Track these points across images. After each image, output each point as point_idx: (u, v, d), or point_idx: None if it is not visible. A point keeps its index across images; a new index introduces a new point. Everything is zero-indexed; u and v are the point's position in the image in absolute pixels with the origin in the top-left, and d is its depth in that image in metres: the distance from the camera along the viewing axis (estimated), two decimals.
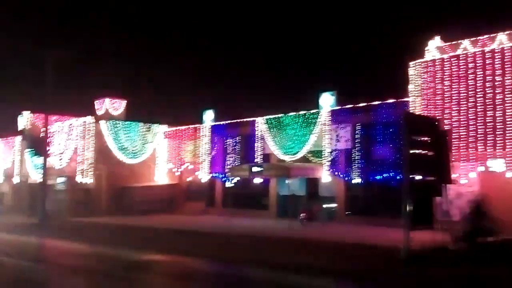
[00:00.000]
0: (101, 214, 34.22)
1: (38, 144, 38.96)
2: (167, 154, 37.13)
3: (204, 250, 17.95)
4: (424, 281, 12.42)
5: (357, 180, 26.05)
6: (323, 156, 27.30)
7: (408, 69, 23.57)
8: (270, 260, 15.44)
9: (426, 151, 14.57)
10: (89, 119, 35.87)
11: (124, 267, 14.68)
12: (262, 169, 27.01)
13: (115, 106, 37.89)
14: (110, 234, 23.77)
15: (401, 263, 14.12)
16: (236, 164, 31.64)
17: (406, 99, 24.06)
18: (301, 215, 26.51)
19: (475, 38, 22.95)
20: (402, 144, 22.08)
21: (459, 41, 23.36)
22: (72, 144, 36.45)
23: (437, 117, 19.58)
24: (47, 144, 30.51)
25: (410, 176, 14.46)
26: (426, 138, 14.67)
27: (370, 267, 13.98)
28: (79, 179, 35.54)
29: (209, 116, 34.51)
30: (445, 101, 22.23)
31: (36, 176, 40.78)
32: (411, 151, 14.16)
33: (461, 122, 21.65)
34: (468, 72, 21.71)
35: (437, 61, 22.73)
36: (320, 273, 13.37)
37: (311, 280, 12.77)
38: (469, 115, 21.54)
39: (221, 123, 33.40)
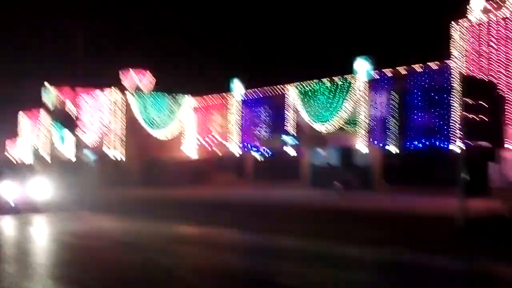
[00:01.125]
0: (133, 186, 34.08)
1: (64, 118, 38.84)
2: (195, 126, 36.67)
3: (242, 222, 17.47)
4: (482, 252, 11.75)
5: (394, 148, 25.26)
6: (358, 125, 26.49)
7: (450, 30, 22.43)
8: (312, 230, 14.85)
9: (482, 116, 13.67)
10: (116, 91, 35.51)
11: (166, 240, 14.30)
12: (296, 139, 26.32)
13: (140, 77, 37.39)
14: (145, 207, 23.46)
15: (457, 233, 13.41)
16: (268, 134, 31.03)
17: (446, 62, 23.05)
18: (336, 184, 25.87)
19: None
20: (456, 108, 21.56)
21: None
22: (102, 118, 36.23)
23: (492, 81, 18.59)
24: (79, 119, 30.15)
25: (465, 141, 13.62)
26: (482, 102, 13.74)
27: (424, 238, 13.27)
28: (109, 152, 35.44)
29: (237, 86, 33.78)
30: (491, 64, 21.12)
31: (64, 151, 40.90)
32: (468, 115, 13.28)
33: (510, 85, 20.58)
34: None
35: (482, 22, 21.53)
36: (371, 243, 12.74)
37: (362, 250, 12.15)
38: None
39: (251, 92, 32.66)
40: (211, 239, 14.87)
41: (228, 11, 53.35)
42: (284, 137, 26.86)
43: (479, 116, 13.70)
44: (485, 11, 22.14)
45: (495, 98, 14.64)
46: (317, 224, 16.52)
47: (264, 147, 30.58)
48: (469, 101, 13.24)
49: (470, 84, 13.41)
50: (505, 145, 15.70)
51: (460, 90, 13.40)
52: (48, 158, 42.57)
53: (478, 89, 13.71)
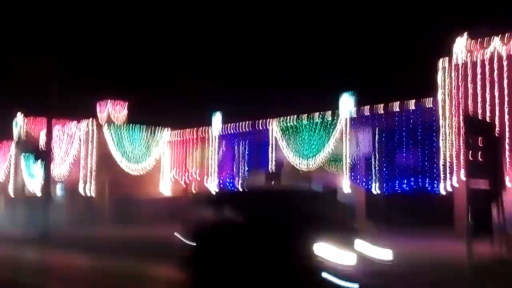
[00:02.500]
0: (104, 225, 32.43)
1: (35, 151, 37.22)
2: (171, 162, 35.47)
3: None
4: None
5: (378, 189, 24.59)
6: (341, 163, 25.83)
7: (436, 69, 22.24)
8: None
9: (483, 155, 13.12)
10: (91, 123, 34.19)
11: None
12: (279, 177, 25.48)
13: (118, 108, 36.15)
14: (117, 246, 21.96)
15: (467, 278, 12.54)
16: (247, 172, 30.09)
17: (431, 100, 22.81)
18: None
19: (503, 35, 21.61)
20: (442, 148, 21.12)
21: (488, 38, 21.98)
22: (73, 150, 34.76)
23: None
24: (49, 150, 28.62)
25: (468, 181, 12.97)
26: (481, 142, 13.23)
27: (435, 284, 12.32)
28: (80, 188, 33.83)
29: (217, 119, 32.86)
30: (477, 103, 20.87)
31: (32, 186, 39.00)
32: (470, 154, 12.69)
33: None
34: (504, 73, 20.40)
35: (467, 62, 21.40)
36: None
37: None
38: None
39: (231, 127, 31.79)
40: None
41: (210, 44, 53.06)
42: (269, 174, 25.96)
43: (481, 155, 13.15)
44: (469, 51, 22.06)
45: (494, 137, 14.21)
46: None
47: (242, 184, 29.59)
48: (471, 140, 12.69)
49: (472, 123, 12.93)
50: (507, 185, 15.14)
51: (463, 128, 12.95)
52: (12, 193, 40.49)
53: (479, 128, 13.25)
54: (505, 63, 20.48)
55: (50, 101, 29.68)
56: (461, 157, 21.07)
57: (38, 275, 14.27)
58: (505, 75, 20.42)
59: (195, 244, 9.98)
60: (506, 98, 20.36)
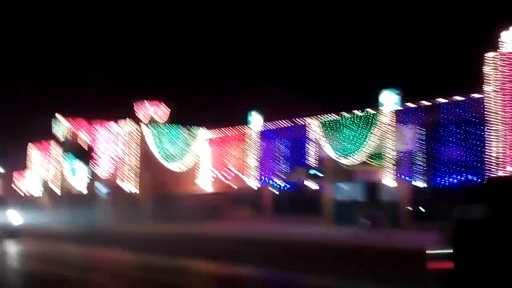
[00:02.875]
0: (147, 222, 33.00)
1: (77, 150, 38.16)
2: (210, 160, 35.83)
3: (266, 259, 16.44)
4: None
5: (423, 183, 24.30)
6: (385, 158, 25.60)
7: (484, 62, 21.78)
8: (338, 270, 13.78)
9: None
10: (131, 123, 34.82)
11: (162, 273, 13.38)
12: (321, 173, 25.42)
13: (155, 109, 36.74)
14: (163, 243, 22.36)
15: None
16: (287, 169, 30.15)
17: (477, 95, 22.40)
18: (363, 221, 24.84)
19: None
20: (490, 142, 20.79)
21: None
22: (116, 150, 35.46)
23: None
24: (92, 151, 29.42)
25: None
26: None
27: None
28: (123, 186, 34.48)
29: (255, 118, 33.06)
30: None
31: (76, 185, 39.99)
32: None
33: None
34: None
35: None
36: None
37: None
38: None
39: (270, 125, 31.91)
40: (231, 276, 13.79)
41: (247, 42, 53.09)
42: (311, 171, 25.91)
43: None
44: None
45: None
46: (343, 263, 15.50)
47: (282, 181, 29.62)
48: None
49: None
50: None
51: None
52: (58, 191, 41.60)
53: None
54: None
55: (92, 101, 30.40)
56: (508, 149, 20.71)
57: (88, 271, 14.65)
58: None
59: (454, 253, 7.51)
60: None
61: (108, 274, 14.15)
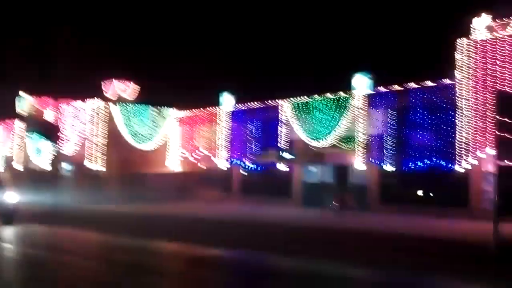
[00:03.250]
0: (112, 202, 32.44)
1: (42, 128, 37.10)
2: (180, 140, 35.40)
3: (237, 240, 16.32)
4: None
5: (392, 167, 24.57)
6: (356, 142, 25.75)
7: (456, 49, 22.00)
8: (308, 250, 13.80)
9: None
10: (99, 101, 33.98)
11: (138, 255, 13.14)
12: (292, 155, 25.37)
13: (124, 88, 35.93)
14: (130, 224, 21.95)
15: (492, 259, 12.59)
16: (258, 150, 30.04)
17: (448, 81, 22.67)
18: (332, 203, 25.03)
19: None
20: (460, 128, 21.02)
21: (508, 18, 21.75)
22: (81, 128, 34.59)
23: None
24: (57, 127, 28.60)
25: (498, 162, 12.93)
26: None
27: (458, 265, 12.34)
28: (88, 165, 33.74)
29: (227, 99, 32.74)
30: (497, 82, 20.71)
31: (39, 162, 38.98)
32: (502, 134, 12.61)
33: None
34: None
35: (488, 40, 21.17)
36: (402, 267, 11.76)
37: (397, 275, 11.17)
38: None
39: (242, 107, 31.64)
40: (198, 257, 13.63)
41: (219, 22, 52.21)
42: (283, 152, 25.83)
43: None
44: (490, 30, 21.81)
45: None
46: (316, 244, 15.55)
47: (252, 162, 29.50)
48: (505, 119, 12.59)
49: (504, 102, 12.82)
50: None
51: (494, 107, 12.80)
52: (21, 169, 40.43)
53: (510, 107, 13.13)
54: None
55: (57, 78, 29.46)
56: (478, 135, 21.07)
57: (56, 251, 14.25)
58: None
59: None
60: None
61: (75, 254, 13.77)
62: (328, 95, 26.88)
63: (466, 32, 22.39)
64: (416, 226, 19.47)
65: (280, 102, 29.00)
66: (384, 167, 24.81)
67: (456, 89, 21.92)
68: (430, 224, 20.13)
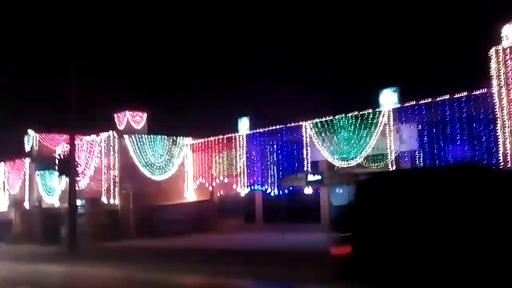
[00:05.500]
0: (130, 237, 31.18)
1: (55, 165, 36.11)
2: (195, 168, 34.31)
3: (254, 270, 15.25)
4: None
5: None
6: (386, 160, 24.71)
7: (488, 57, 21.17)
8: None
9: None
10: (112, 134, 33.01)
11: None
12: (321, 177, 24.29)
13: (137, 119, 35.01)
14: (148, 259, 20.72)
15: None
16: (280, 174, 28.94)
17: (479, 91, 21.81)
18: None
19: None
20: (501, 138, 20.10)
21: None
22: (94, 162, 33.53)
23: None
24: (71, 163, 27.56)
25: None
26: None
27: None
28: (103, 199, 32.55)
29: (244, 124, 31.80)
30: None
31: (50, 200, 37.80)
32: None
33: None
34: None
35: None
36: None
37: None
38: None
39: (260, 130, 30.63)
40: None
41: (230, 48, 51.65)
42: (310, 175, 24.76)
43: None
44: None
45: None
46: None
47: (285, 187, 28.25)
48: None
49: None
50: None
51: None
52: (29, 207, 39.18)
53: None
54: None
55: (71, 113, 28.49)
56: None
57: None
58: None
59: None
60: None
61: None
62: (353, 112, 25.96)
63: (495, 40, 21.63)
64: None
65: (302, 122, 28.04)
66: None
67: (495, 99, 20.97)
68: None
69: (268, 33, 48.58)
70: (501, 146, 20.72)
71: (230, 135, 32.18)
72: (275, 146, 29.71)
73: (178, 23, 55.29)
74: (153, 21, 56.55)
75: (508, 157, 20.55)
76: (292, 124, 28.63)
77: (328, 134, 26.75)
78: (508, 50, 20.72)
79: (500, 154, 20.77)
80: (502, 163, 20.73)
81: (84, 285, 14.91)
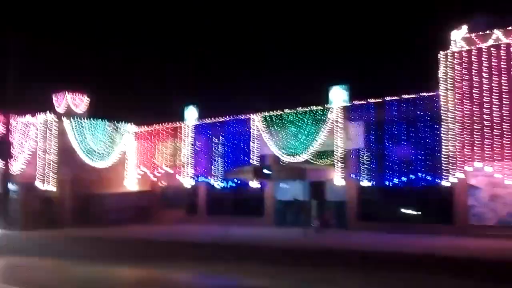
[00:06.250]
0: (66, 226, 29.79)
1: None
2: (138, 157, 33.22)
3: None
4: None
5: (371, 182, 23.73)
6: (333, 156, 24.78)
7: (438, 61, 21.58)
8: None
9: None
10: (50, 116, 31.30)
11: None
12: (269, 171, 24.03)
13: (77, 102, 33.35)
14: (79, 249, 19.83)
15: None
16: (226, 167, 28.49)
17: (427, 93, 22.25)
18: (314, 221, 23.87)
19: (505, 29, 21.29)
20: (445, 140, 20.53)
21: (488, 32, 21.60)
22: (29, 145, 31.71)
23: None
24: (6, 144, 25.83)
25: None
26: None
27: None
28: (38, 185, 30.87)
29: (191, 113, 31.05)
30: (484, 94, 20.38)
31: None
32: None
33: (504, 118, 19.88)
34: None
35: (473, 51, 20.88)
36: None
37: None
38: None
39: (208, 120, 30.00)
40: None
41: (183, 30, 50.21)
42: (258, 169, 24.45)
43: None
44: (469, 43, 21.57)
45: None
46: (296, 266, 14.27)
47: (220, 179, 27.93)
48: None
49: None
50: None
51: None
52: None
53: None
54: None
55: (7, 93, 26.76)
56: (465, 148, 20.62)
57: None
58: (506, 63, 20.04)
59: None
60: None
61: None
62: (303, 108, 25.85)
63: (445, 45, 22.08)
64: (401, 243, 18.59)
65: (251, 115, 27.66)
66: (362, 182, 23.94)
67: (440, 101, 21.41)
68: (418, 241, 19.29)
69: (224, 22, 47.72)
70: (443, 147, 21.20)
71: (176, 124, 31.34)
72: (222, 138, 29.19)
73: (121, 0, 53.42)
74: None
75: (449, 159, 21.08)
76: (241, 116, 28.19)
77: (276, 128, 26.53)
78: (456, 55, 21.18)
79: (442, 156, 21.27)
80: (444, 166, 21.25)
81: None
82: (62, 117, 31.59)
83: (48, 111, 31.63)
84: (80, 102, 33.37)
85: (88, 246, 20.89)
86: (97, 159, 32.41)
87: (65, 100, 32.68)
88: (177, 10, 53.13)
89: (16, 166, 31.68)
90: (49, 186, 30.88)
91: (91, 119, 32.74)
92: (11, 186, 31.65)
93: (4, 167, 28.20)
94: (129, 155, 33.50)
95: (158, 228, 27.96)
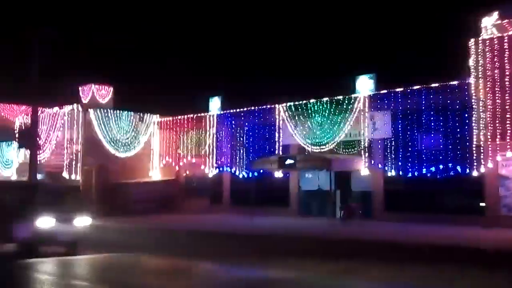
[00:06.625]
0: (92, 216, 30.04)
1: (16, 137, 34.61)
2: (162, 147, 33.40)
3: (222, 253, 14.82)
4: None
5: (398, 173, 23.43)
6: (359, 146, 24.53)
7: (468, 49, 21.09)
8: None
9: None
10: (76, 107, 31.64)
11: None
12: (294, 161, 23.90)
13: (102, 93, 33.65)
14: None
15: None
16: (250, 156, 28.44)
17: (456, 82, 21.77)
18: (341, 212, 23.75)
19: None
20: (475, 131, 20.03)
21: None
22: (56, 135, 32.12)
23: None
24: (34, 135, 26.11)
25: None
26: None
27: None
28: (64, 175, 31.30)
29: (215, 103, 31.06)
30: None
31: (6, 173, 36.27)
32: None
33: None
34: None
35: (505, 38, 20.36)
36: None
37: None
38: None
39: (232, 111, 29.95)
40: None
41: (210, 23, 50.11)
42: (283, 159, 24.33)
43: None
44: (501, 29, 21.04)
45: None
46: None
47: (256, 170, 27.74)
48: None
49: None
50: None
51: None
52: None
53: None
54: None
55: (34, 85, 26.99)
56: (497, 138, 20.19)
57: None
58: None
59: None
60: None
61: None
62: (329, 97, 25.60)
63: (475, 32, 21.57)
64: (431, 234, 18.31)
65: (276, 105, 27.51)
66: (389, 172, 23.65)
67: (471, 89, 20.97)
68: (447, 232, 18.99)
69: (247, 15, 47.53)
70: (474, 137, 20.80)
71: (200, 114, 31.38)
72: (246, 128, 29.13)
73: None
74: None
75: (480, 149, 20.69)
76: (265, 106, 28.07)
77: (301, 118, 26.34)
78: (487, 42, 20.69)
79: (472, 145, 20.87)
80: (474, 156, 20.85)
81: None
82: (88, 108, 31.91)
83: (74, 103, 32.01)
84: (105, 93, 33.66)
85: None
86: (122, 149, 32.68)
87: (91, 92, 33.00)
88: (201, 2, 53.08)
89: (42, 156, 32.14)
90: (75, 175, 31.27)
91: (116, 110, 33.01)
92: (38, 175, 32.15)
93: (31, 157, 28.48)
94: (154, 145, 33.70)
95: (190, 217, 27.85)
